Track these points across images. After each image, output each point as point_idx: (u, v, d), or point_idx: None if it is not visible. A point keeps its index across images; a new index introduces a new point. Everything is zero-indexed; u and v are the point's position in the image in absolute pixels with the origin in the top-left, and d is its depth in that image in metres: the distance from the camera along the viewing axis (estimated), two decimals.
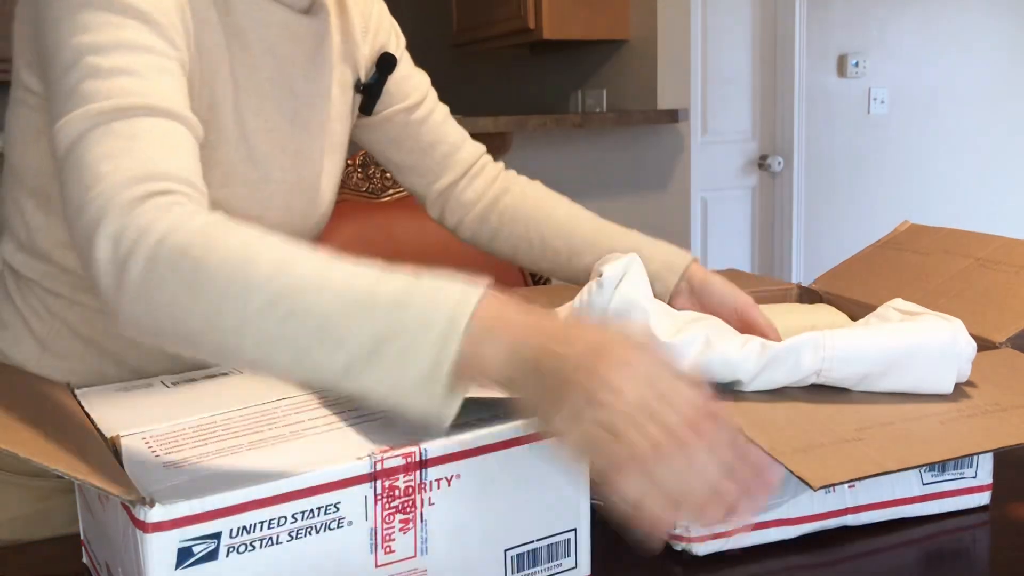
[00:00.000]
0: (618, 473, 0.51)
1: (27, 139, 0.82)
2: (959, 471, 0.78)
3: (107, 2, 0.70)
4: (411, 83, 1.07)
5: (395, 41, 1.06)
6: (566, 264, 1.02)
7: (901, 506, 0.77)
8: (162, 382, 0.78)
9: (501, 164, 1.12)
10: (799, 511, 0.74)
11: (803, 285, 1.08)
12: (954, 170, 3.94)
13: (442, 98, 1.11)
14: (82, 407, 0.71)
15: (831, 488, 0.74)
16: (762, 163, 3.45)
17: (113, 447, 0.63)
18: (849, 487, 0.75)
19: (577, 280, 1.00)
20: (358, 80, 1.01)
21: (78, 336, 0.88)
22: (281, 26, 0.87)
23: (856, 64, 3.61)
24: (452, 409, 0.57)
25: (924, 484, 0.77)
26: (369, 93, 1.01)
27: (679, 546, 0.73)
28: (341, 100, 0.98)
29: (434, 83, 1.11)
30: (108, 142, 0.64)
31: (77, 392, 0.75)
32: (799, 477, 0.62)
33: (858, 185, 3.72)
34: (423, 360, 0.55)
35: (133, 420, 0.67)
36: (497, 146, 2.68)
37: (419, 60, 1.10)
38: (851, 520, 0.76)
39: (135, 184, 0.62)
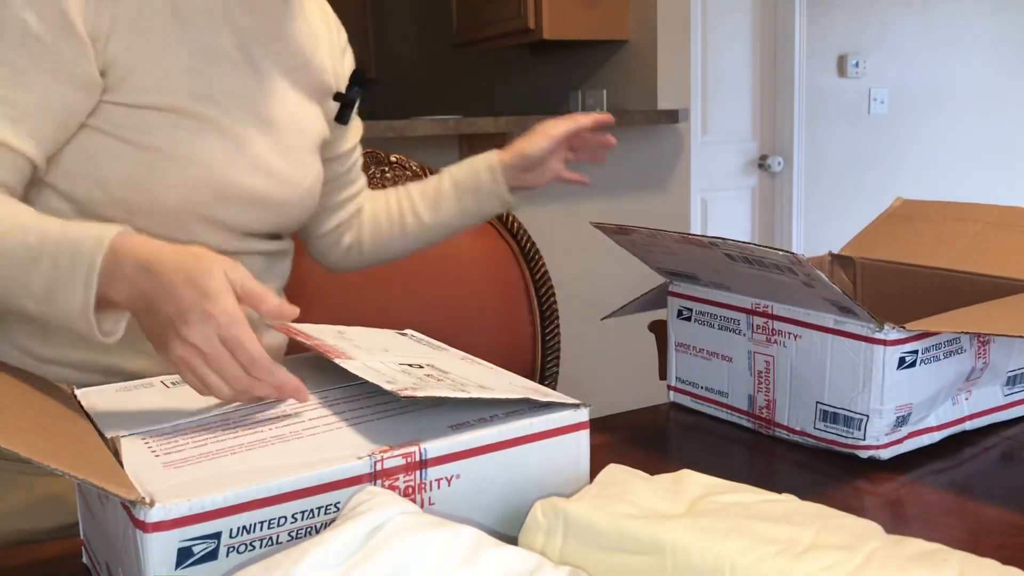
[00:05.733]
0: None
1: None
2: None
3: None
4: (355, 123, 1.17)
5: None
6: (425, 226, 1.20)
7: (995, 413, 0.95)
8: (162, 382, 0.78)
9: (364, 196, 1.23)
10: (939, 420, 0.90)
11: (834, 253, 1.16)
12: (954, 170, 3.94)
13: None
14: (82, 407, 0.71)
15: (955, 400, 0.92)
16: (762, 163, 3.45)
17: (113, 447, 0.63)
18: (966, 399, 0.92)
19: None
20: (338, 92, 1.09)
21: None
22: None
23: (856, 64, 3.61)
24: (112, 331, 0.75)
25: (1004, 396, 0.95)
26: (346, 103, 1.09)
27: (866, 454, 0.86)
28: (311, 89, 1.05)
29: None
30: None
31: (77, 392, 0.75)
32: None
33: (858, 185, 3.72)
34: (76, 301, 0.73)
35: (133, 420, 0.67)
36: (497, 146, 2.67)
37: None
38: (969, 425, 0.93)
39: None
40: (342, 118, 1.09)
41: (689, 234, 0.90)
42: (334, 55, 1.10)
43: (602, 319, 1.18)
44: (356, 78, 1.10)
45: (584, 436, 0.68)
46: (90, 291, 0.72)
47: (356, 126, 1.17)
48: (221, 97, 0.92)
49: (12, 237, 0.76)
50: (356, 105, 1.11)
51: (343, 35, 1.14)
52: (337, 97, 1.08)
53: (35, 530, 0.91)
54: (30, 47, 0.83)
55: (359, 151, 1.19)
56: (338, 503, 0.58)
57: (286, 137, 0.99)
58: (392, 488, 0.60)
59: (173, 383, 0.77)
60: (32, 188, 0.89)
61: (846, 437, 0.87)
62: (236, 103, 0.93)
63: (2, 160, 0.83)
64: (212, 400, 0.71)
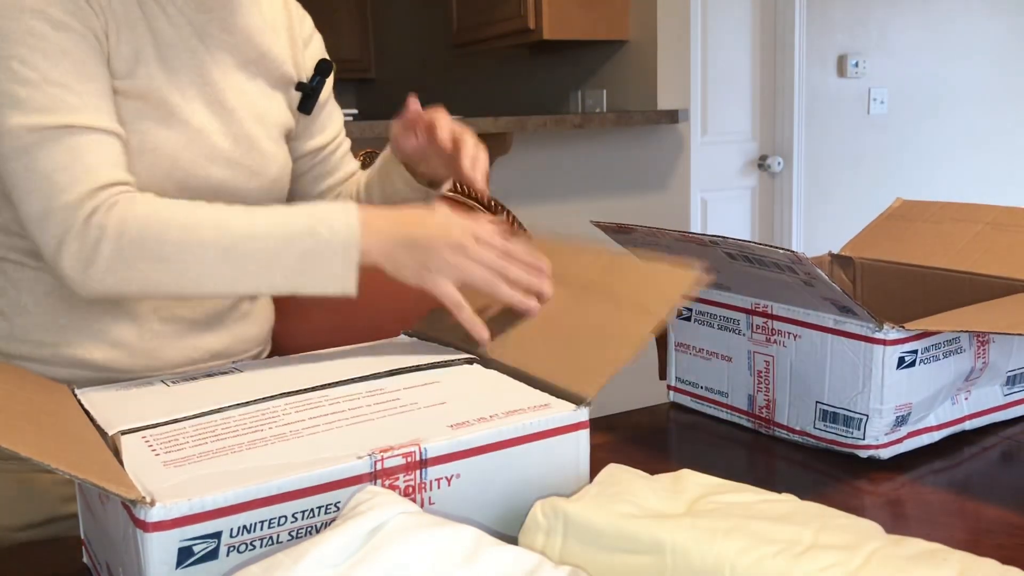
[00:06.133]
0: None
1: None
2: None
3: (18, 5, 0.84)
4: (327, 112, 1.15)
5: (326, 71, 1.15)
6: None
7: (994, 412, 0.96)
8: (162, 381, 0.78)
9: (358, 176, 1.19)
10: (939, 420, 0.91)
11: (834, 253, 1.16)
12: (954, 170, 3.94)
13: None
14: (82, 406, 0.71)
15: (955, 400, 0.92)
16: (762, 163, 3.45)
17: (113, 446, 0.63)
18: (965, 398, 0.93)
19: None
20: (299, 82, 1.09)
21: (40, 304, 0.93)
22: None
23: (856, 64, 3.61)
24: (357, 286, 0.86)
25: (1004, 396, 0.97)
26: (308, 92, 1.09)
27: (865, 453, 0.86)
28: (269, 76, 1.05)
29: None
30: (56, 155, 0.84)
31: (77, 392, 0.75)
32: None
33: (858, 185, 3.72)
34: (336, 270, 0.84)
35: (133, 419, 0.67)
36: (497, 146, 2.68)
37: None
38: (968, 425, 0.94)
39: (87, 199, 0.83)
40: (305, 108, 1.10)
41: (689, 232, 0.90)
42: (295, 46, 1.10)
43: None
44: (320, 68, 1.11)
45: (584, 436, 0.68)
46: (350, 263, 0.84)
47: (335, 118, 1.17)
48: (183, 86, 0.94)
49: (260, 217, 0.84)
50: (319, 95, 1.11)
51: (307, 24, 1.13)
52: (299, 87, 1.09)
53: (10, 526, 0.91)
54: (73, 38, 0.86)
55: (340, 141, 1.17)
56: (338, 503, 0.58)
57: (245, 126, 1.00)
58: (392, 488, 0.60)
59: (173, 382, 0.77)
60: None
61: (846, 437, 0.88)
62: (195, 92, 0.96)
63: (117, 147, 0.88)
64: (211, 399, 0.71)
